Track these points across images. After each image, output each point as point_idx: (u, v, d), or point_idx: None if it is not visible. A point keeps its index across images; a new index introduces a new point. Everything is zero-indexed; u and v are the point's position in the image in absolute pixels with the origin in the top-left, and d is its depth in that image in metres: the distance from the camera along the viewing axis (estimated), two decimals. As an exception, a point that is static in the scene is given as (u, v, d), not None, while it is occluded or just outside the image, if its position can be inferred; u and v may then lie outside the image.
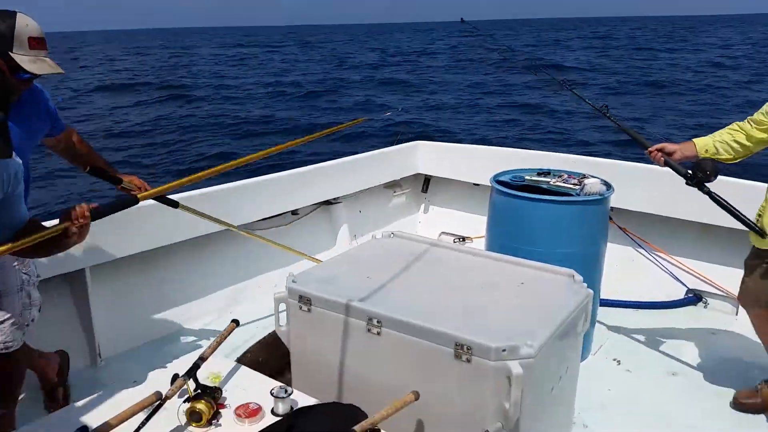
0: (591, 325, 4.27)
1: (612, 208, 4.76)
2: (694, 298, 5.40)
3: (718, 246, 5.20)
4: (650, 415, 3.95)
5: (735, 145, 3.75)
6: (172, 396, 2.61)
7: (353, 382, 3.08)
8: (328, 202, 6.25)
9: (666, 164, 3.91)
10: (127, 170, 4.05)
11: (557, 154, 6.24)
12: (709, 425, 3.86)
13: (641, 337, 4.87)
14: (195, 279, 5.12)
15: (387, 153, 6.77)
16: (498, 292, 3.21)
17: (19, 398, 3.30)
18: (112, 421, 2.42)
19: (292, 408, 2.68)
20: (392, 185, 6.93)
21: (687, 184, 3.83)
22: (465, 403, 2.75)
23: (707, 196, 3.78)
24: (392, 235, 3.95)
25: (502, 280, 3.34)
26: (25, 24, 2.91)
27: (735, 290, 4.06)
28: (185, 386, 2.64)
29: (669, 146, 3.91)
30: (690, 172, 3.79)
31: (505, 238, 4.38)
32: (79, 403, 2.74)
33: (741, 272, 3.92)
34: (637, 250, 5.77)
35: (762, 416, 3.89)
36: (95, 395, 2.78)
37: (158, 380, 2.74)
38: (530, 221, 4.27)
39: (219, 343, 3.00)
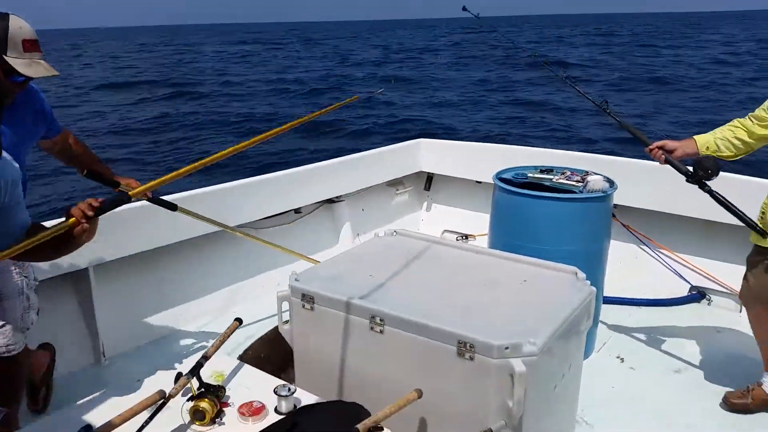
0: (594, 322, 4.27)
1: (615, 206, 4.75)
2: (697, 295, 5.39)
3: (722, 243, 5.20)
4: (653, 413, 3.94)
5: (736, 141, 3.73)
6: (176, 395, 2.62)
7: (356, 380, 3.08)
8: (330, 201, 6.25)
9: (666, 162, 3.89)
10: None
11: (560, 151, 6.24)
12: (713, 423, 3.85)
13: (644, 335, 4.87)
14: (198, 278, 5.13)
15: (389, 151, 6.76)
16: (501, 290, 3.20)
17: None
18: (116, 419, 2.43)
19: (295, 406, 2.68)
20: (395, 183, 6.92)
21: (687, 181, 3.82)
22: (468, 401, 2.75)
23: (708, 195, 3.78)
24: (395, 234, 3.95)
25: (505, 278, 3.34)
26: (19, 26, 2.88)
27: (739, 287, 4.05)
28: (189, 385, 2.65)
29: (670, 143, 3.89)
30: (691, 170, 3.78)
31: (507, 236, 4.38)
32: (83, 402, 2.75)
33: (744, 269, 3.92)
34: (641, 248, 5.77)
35: (766, 414, 3.88)
36: (99, 394, 2.79)
37: (162, 379, 2.75)
38: (533, 219, 4.26)
39: (222, 342, 3.01)
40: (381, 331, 2.90)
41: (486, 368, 2.63)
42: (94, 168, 3.70)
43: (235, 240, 5.26)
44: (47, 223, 3.66)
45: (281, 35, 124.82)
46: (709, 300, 5.36)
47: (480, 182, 6.44)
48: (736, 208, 3.72)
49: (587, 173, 4.56)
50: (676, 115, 22.01)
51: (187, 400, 2.62)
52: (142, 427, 2.44)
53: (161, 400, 2.57)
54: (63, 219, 2.35)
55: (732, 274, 4.82)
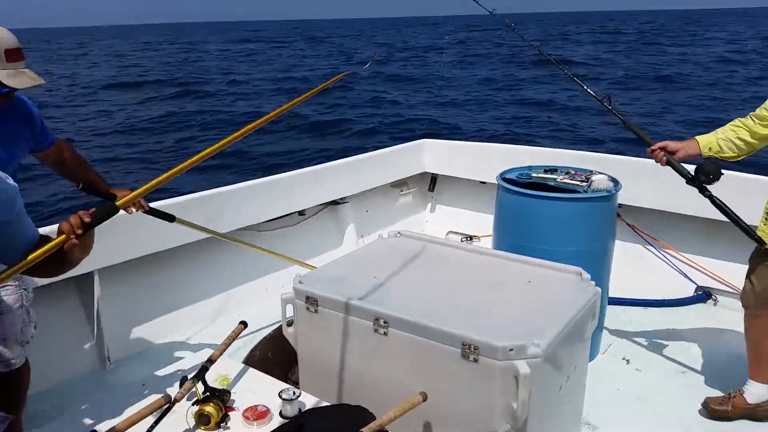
0: (599, 323, 4.27)
1: (620, 205, 4.74)
2: (703, 295, 5.38)
3: (728, 242, 5.18)
4: (659, 415, 3.93)
5: (738, 142, 3.69)
6: (181, 399, 2.63)
7: (361, 382, 3.08)
8: (334, 202, 6.24)
9: (668, 163, 3.86)
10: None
11: (564, 150, 6.22)
12: (719, 424, 3.84)
13: (650, 336, 4.85)
14: (203, 281, 5.13)
15: (393, 152, 6.76)
16: (505, 291, 3.20)
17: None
18: (122, 424, 2.44)
19: (300, 410, 2.69)
20: (399, 184, 6.92)
21: (688, 183, 3.81)
22: (472, 403, 2.74)
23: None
24: (399, 235, 3.94)
25: (509, 279, 3.34)
26: (0, 36, 2.80)
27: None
28: (194, 389, 2.66)
29: (672, 144, 3.86)
30: (692, 174, 3.77)
31: (512, 237, 4.38)
32: (88, 407, 2.76)
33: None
34: (646, 248, 5.75)
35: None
36: (104, 398, 2.80)
37: (167, 383, 2.76)
38: (537, 219, 4.26)
39: (227, 346, 3.01)
40: (385, 333, 2.90)
41: (490, 370, 2.63)
42: (91, 181, 3.67)
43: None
44: (47, 228, 3.68)
45: (284, 33, 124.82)
46: (715, 300, 5.35)
47: (484, 182, 6.43)
48: (734, 214, 3.70)
49: (591, 173, 4.55)
50: (682, 114, 21.95)
51: (192, 404, 2.62)
52: (148, 431, 2.44)
53: (166, 405, 2.58)
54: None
55: (738, 273, 4.79)
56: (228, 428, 2.61)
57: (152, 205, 4.44)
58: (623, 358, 4.58)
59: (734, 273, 5.03)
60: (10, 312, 3.05)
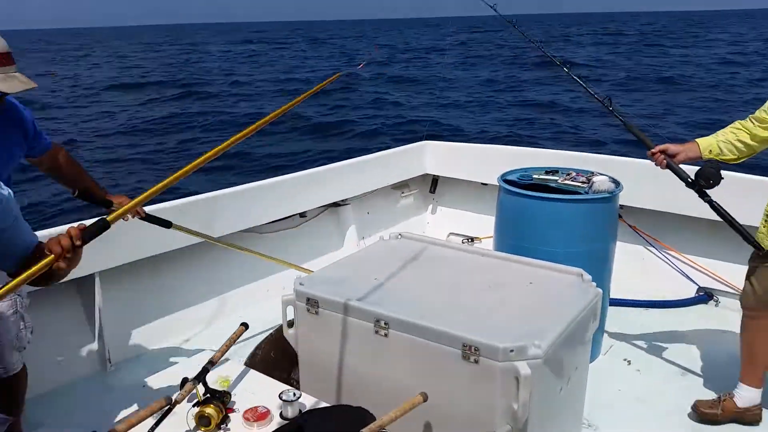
0: (601, 324, 4.26)
1: (621, 206, 4.74)
2: (705, 296, 5.38)
3: (730, 243, 5.15)
4: (661, 416, 3.93)
5: (739, 144, 3.68)
6: (182, 400, 2.63)
7: (361, 384, 3.08)
8: (336, 204, 6.24)
9: (668, 167, 3.84)
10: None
11: (566, 152, 6.22)
12: (721, 426, 3.83)
13: (651, 337, 4.85)
14: (203, 283, 5.13)
15: (394, 154, 6.76)
16: (506, 292, 3.20)
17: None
18: (122, 425, 2.43)
19: (300, 411, 2.69)
20: (400, 186, 6.91)
21: (687, 187, 3.80)
22: (473, 404, 2.74)
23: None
24: (400, 237, 3.94)
25: (510, 280, 3.34)
26: None
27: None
28: (194, 390, 2.66)
29: (672, 147, 3.84)
30: (691, 178, 3.75)
31: (513, 238, 4.38)
32: (89, 408, 2.76)
33: None
34: (648, 249, 5.75)
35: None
36: (105, 400, 2.80)
37: (168, 385, 2.76)
38: (538, 220, 4.26)
39: (228, 347, 3.01)
40: (386, 335, 2.90)
41: (491, 371, 2.63)
42: (87, 187, 3.62)
43: (240, 243, 5.26)
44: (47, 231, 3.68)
45: (285, 35, 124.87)
46: (716, 301, 5.34)
47: (485, 184, 6.43)
48: (733, 219, 3.69)
49: (593, 174, 4.55)
50: (684, 116, 21.94)
51: (193, 406, 2.63)
52: (148, 432, 2.45)
53: (167, 406, 2.58)
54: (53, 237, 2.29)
55: (740, 274, 4.79)
56: (228, 429, 2.61)
57: (153, 206, 4.45)
58: (624, 359, 4.58)
59: (735, 274, 5.03)
60: (4, 318, 3.04)
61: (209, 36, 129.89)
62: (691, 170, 3.82)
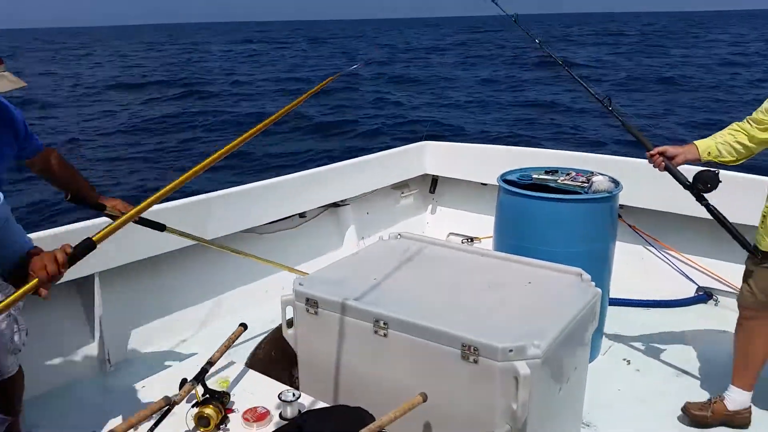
0: (600, 324, 4.26)
1: (621, 206, 4.74)
2: (704, 296, 5.38)
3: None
4: (660, 415, 3.93)
5: (737, 146, 3.67)
6: (181, 401, 2.63)
7: (361, 384, 3.08)
8: (335, 204, 6.24)
9: (666, 169, 3.85)
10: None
11: (565, 152, 6.22)
12: (711, 428, 3.84)
13: (651, 337, 4.85)
14: (202, 283, 5.14)
15: (394, 154, 6.76)
16: (505, 292, 3.20)
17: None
18: (121, 426, 2.44)
19: (299, 411, 2.69)
20: (400, 186, 6.92)
21: (685, 189, 3.80)
22: (472, 404, 2.74)
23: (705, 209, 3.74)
24: (399, 237, 3.94)
25: (510, 280, 3.33)
26: None
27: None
28: (193, 391, 2.66)
29: (671, 149, 3.84)
30: (689, 182, 3.75)
31: (512, 238, 4.38)
32: (89, 409, 2.77)
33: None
34: (647, 248, 5.75)
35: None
36: (104, 401, 2.81)
37: (167, 385, 2.76)
38: (538, 220, 4.26)
39: (227, 348, 3.02)
40: (385, 335, 2.90)
41: (490, 371, 2.63)
42: (79, 190, 3.57)
43: (241, 244, 5.26)
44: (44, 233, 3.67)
45: (286, 34, 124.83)
46: (716, 301, 5.35)
47: (485, 184, 6.43)
48: (729, 224, 3.69)
49: (592, 174, 4.56)
50: (685, 116, 21.94)
51: (192, 407, 2.63)
52: (147, 433, 2.45)
53: (166, 407, 2.58)
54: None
55: (739, 274, 4.79)
56: (228, 430, 2.61)
57: (154, 207, 4.43)
58: (624, 359, 4.58)
59: (735, 273, 5.02)
60: None
61: (209, 35, 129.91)
62: (689, 170, 3.82)
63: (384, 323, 2.89)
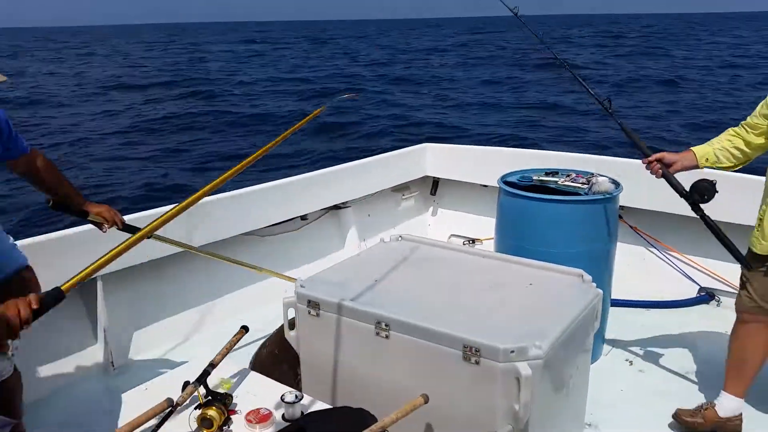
0: (602, 325, 4.27)
1: (622, 207, 4.75)
2: (706, 296, 5.39)
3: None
4: (662, 416, 3.92)
5: (735, 151, 3.67)
6: (183, 403, 2.63)
7: (363, 385, 3.09)
8: (337, 207, 6.25)
9: (663, 176, 3.83)
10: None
11: (566, 153, 6.22)
12: None
13: (653, 337, 4.86)
14: (204, 285, 5.15)
15: (395, 156, 6.77)
16: (506, 293, 3.20)
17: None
18: (124, 428, 2.44)
19: (302, 413, 2.69)
20: (401, 188, 6.93)
21: (681, 197, 3.78)
22: (474, 405, 2.75)
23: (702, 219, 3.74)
24: (400, 238, 3.95)
25: (511, 281, 3.34)
26: None
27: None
28: (196, 393, 2.66)
29: (668, 156, 3.82)
30: (686, 191, 3.75)
31: (513, 239, 4.39)
32: (92, 411, 2.77)
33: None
34: (649, 249, 5.76)
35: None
36: (107, 403, 2.81)
37: (169, 387, 2.76)
38: (538, 221, 4.27)
39: (229, 350, 3.02)
40: (386, 336, 2.91)
41: (492, 372, 2.64)
42: (66, 194, 3.50)
43: (241, 247, 5.27)
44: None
45: (287, 34, 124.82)
46: (718, 301, 5.35)
47: (486, 186, 6.43)
48: (724, 235, 3.68)
49: (593, 175, 4.56)
50: (685, 117, 21.93)
51: (195, 408, 2.63)
52: (150, 434, 2.45)
53: (169, 409, 2.58)
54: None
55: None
56: (230, 431, 2.62)
57: (154, 211, 4.46)
58: (626, 360, 4.59)
59: (737, 274, 5.01)
60: None
61: (210, 35, 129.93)
62: (686, 176, 3.81)
63: (385, 325, 2.90)
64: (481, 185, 6.58)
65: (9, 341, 3.03)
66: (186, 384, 2.71)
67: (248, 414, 2.67)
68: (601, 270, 4.20)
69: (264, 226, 5.48)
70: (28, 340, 3.07)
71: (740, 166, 3.76)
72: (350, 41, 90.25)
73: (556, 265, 3.47)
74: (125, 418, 2.52)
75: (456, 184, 6.92)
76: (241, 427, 2.63)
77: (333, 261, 3.74)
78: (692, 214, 5.11)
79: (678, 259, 5.62)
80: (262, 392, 2.86)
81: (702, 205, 3.74)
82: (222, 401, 2.66)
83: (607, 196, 4.26)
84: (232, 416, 2.68)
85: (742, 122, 3.67)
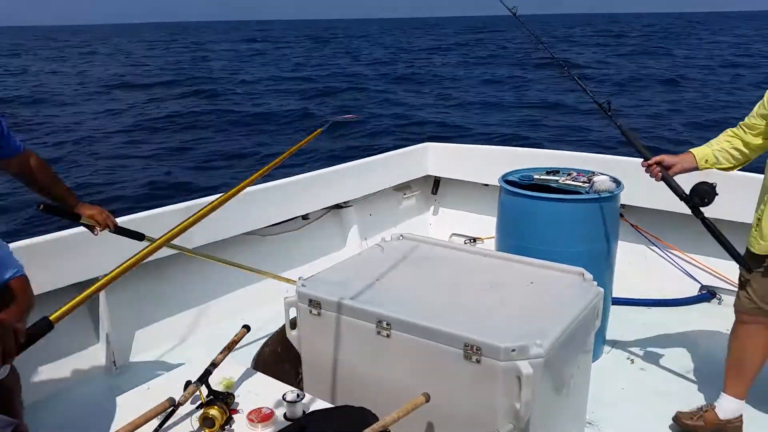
0: (603, 323, 4.27)
1: (623, 206, 4.74)
2: (708, 294, 5.39)
3: (732, 241, 5.18)
4: (664, 414, 3.93)
5: (735, 152, 3.67)
6: (185, 402, 2.63)
7: (364, 384, 3.09)
8: (338, 206, 6.25)
9: (663, 179, 3.81)
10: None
11: (567, 152, 6.23)
12: None
13: (654, 336, 4.86)
14: (206, 285, 5.15)
15: (396, 155, 6.77)
16: (507, 292, 3.20)
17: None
18: (126, 427, 2.45)
19: (304, 412, 2.70)
20: (402, 188, 6.93)
21: (681, 201, 3.78)
22: (475, 404, 2.75)
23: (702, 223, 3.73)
24: (401, 238, 3.96)
25: (512, 280, 3.34)
26: None
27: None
28: (198, 392, 2.67)
29: (668, 159, 3.81)
30: (686, 194, 3.73)
31: (514, 238, 4.39)
32: (94, 411, 2.78)
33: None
34: (650, 248, 5.76)
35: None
36: (109, 402, 2.81)
37: (171, 387, 2.77)
38: (539, 220, 4.27)
39: (230, 349, 3.02)
40: (388, 335, 2.91)
41: (493, 371, 2.64)
42: (60, 195, 3.43)
43: (242, 247, 5.28)
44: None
45: (287, 33, 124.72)
46: (719, 299, 5.35)
47: (487, 185, 6.44)
48: (725, 239, 3.68)
49: (594, 174, 4.57)
50: (687, 116, 21.91)
51: (197, 408, 2.64)
52: (152, 434, 2.46)
53: (170, 408, 2.59)
54: None
55: None
56: (232, 431, 2.62)
57: (154, 211, 4.46)
58: (627, 358, 4.59)
59: (738, 272, 5.04)
60: None
61: (212, 34, 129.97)
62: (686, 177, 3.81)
63: (387, 324, 2.91)
64: (482, 184, 6.58)
65: None
66: (188, 383, 2.71)
67: (250, 413, 2.67)
68: (602, 268, 4.20)
69: (265, 226, 5.48)
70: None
71: (740, 167, 3.75)
72: (350, 40, 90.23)
73: (557, 264, 3.46)
74: (127, 417, 2.52)
75: (457, 183, 6.92)
76: (243, 427, 2.64)
77: (334, 260, 3.74)
78: None
79: (679, 257, 5.62)
80: (263, 391, 2.87)
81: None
82: (224, 400, 2.66)
83: (608, 194, 4.26)
84: (233, 415, 2.69)
85: (740, 123, 3.67)
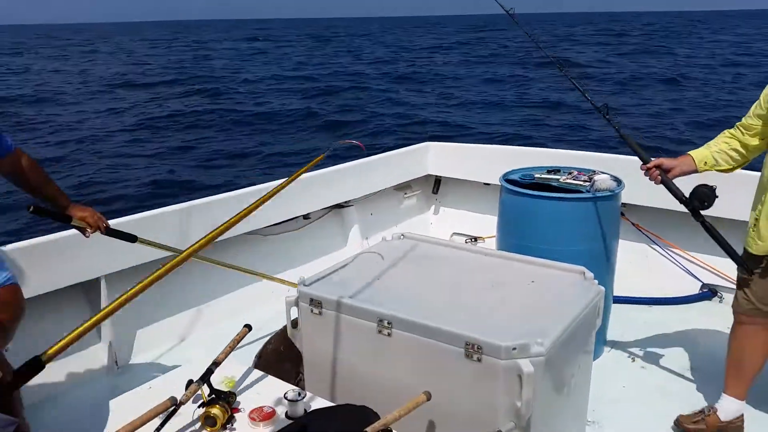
0: (604, 322, 4.27)
1: (624, 204, 4.75)
2: (708, 293, 5.39)
3: (733, 239, 5.15)
4: (664, 413, 3.93)
5: (733, 153, 3.67)
6: (187, 401, 2.64)
7: (365, 383, 3.10)
8: (339, 206, 6.26)
9: (662, 182, 3.80)
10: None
11: (567, 151, 6.24)
12: None
13: (655, 334, 4.86)
14: (207, 284, 5.16)
15: (397, 155, 6.78)
16: (508, 291, 3.21)
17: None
18: (127, 427, 2.46)
19: (305, 411, 2.70)
20: (403, 187, 6.94)
21: (681, 204, 3.78)
22: (476, 403, 2.76)
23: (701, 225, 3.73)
24: (402, 237, 3.96)
25: (513, 279, 3.35)
26: None
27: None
28: (199, 391, 2.67)
29: (666, 162, 3.79)
30: (686, 197, 3.73)
31: (515, 237, 4.40)
32: (96, 410, 2.78)
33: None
34: (651, 246, 5.76)
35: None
36: (111, 402, 2.82)
37: (173, 386, 2.77)
38: (540, 219, 4.28)
39: (232, 348, 3.03)
40: (389, 334, 2.92)
41: (494, 369, 2.65)
42: (52, 196, 3.39)
43: (244, 246, 5.28)
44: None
45: (288, 32, 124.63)
46: (720, 297, 5.36)
47: (488, 184, 6.45)
48: (725, 241, 3.67)
49: (594, 173, 4.57)
50: (688, 115, 21.90)
51: (198, 407, 2.64)
52: (154, 433, 2.47)
53: (172, 407, 2.59)
54: None
55: None
56: (234, 429, 2.62)
57: (154, 211, 4.46)
58: (628, 357, 4.60)
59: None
60: None
61: (213, 33, 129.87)
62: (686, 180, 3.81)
63: (388, 323, 2.91)
64: (483, 183, 6.59)
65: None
66: (189, 382, 2.72)
67: (251, 412, 2.68)
68: (603, 267, 4.21)
69: (266, 226, 5.48)
70: (32, 340, 3.09)
71: (738, 168, 3.75)
72: (352, 39, 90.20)
73: (558, 263, 3.47)
74: (129, 417, 2.53)
75: (458, 182, 6.93)
76: (245, 425, 2.64)
77: (335, 260, 3.75)
78: None
79: (680, 255, 5.63)
80: (265, 390, 2.88)
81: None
82: (225, 399, 2.67)
83: (609, 193, 4.27)
84: (235, 414, 2.69)
85: (737, 123, 3.67)
